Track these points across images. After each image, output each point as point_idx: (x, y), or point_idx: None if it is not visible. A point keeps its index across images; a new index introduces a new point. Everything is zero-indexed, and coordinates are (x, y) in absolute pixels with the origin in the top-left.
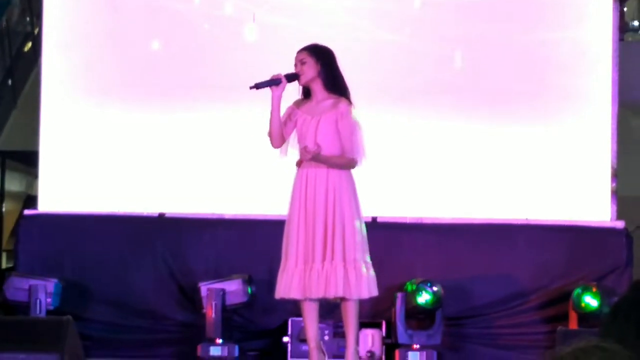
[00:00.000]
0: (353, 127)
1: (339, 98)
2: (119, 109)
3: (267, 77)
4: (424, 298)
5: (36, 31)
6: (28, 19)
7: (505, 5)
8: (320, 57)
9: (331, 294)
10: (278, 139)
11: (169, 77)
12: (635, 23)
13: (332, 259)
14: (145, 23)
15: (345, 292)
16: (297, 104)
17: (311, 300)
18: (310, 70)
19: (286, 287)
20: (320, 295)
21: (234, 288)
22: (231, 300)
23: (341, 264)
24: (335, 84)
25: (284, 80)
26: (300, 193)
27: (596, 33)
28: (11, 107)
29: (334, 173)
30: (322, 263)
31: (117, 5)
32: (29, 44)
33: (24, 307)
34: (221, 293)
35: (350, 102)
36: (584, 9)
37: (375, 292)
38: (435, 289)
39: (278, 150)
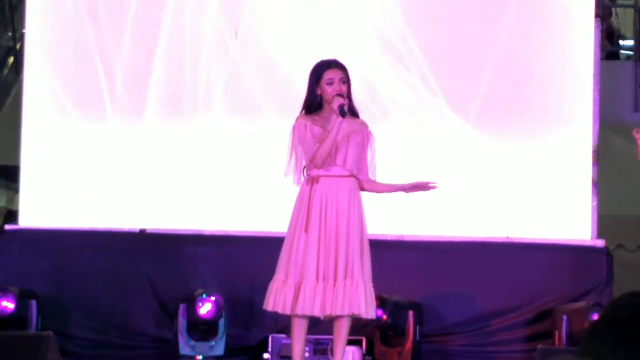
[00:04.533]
0: (374, 152)
1: (361, 120)
2: (100, 124)
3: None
4: (205, 308)
5: (18, 46)
6: (10, 33)
7: (486, 23)
8: (349, 78)
9: (354, 311)
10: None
11: (150, 93)
12: (625, 42)
13: (352, 276)
14: (128, 38)
15: (366, 310)
16: (313, 121)
17: (305, 317)
18: (346, 92)
19: (308, 303)
20: (345, 312)
21: (189, 305)
22: (189, 316)
23: (361, 281)
24: (352, 106)
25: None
26: (321, 207)
27: (577, 52)
28: None
29: (354, 191)
30: (344, 280)
31: (99, 19)
32: (11, 59)
33: (19, 322)
34: (181, 309)
35: None
36: (566, 28)
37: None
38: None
39: (290, 177)
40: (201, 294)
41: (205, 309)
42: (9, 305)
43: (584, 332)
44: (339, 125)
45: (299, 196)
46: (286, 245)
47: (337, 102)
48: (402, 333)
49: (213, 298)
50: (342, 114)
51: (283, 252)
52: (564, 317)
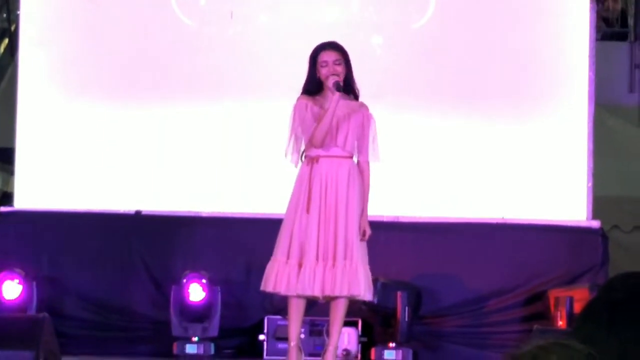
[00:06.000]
0: (376, 134)
1: (360, 102)
2: (96, 106)
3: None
4: (192, 289)
5: (13, 27)
6: (5, 15)
7: (484, 5)
8: (347, 59)
9: (354, 292)
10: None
11: (146, 74)
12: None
13: (352, 257)
14: (123, 19)
15: (365, 292)
16: (314, 101)
17: (304, 297)
18: (343, 73)
19: (308, 283)
20: (345, 293)
21: (178, 287)
22: (180, 298)
23: (361, 263)
24: (353, 88)
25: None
26: (320, 188)
27: (573, 33)
28: None
29: (354, 172)
30: (344, 261)
31: (95, 0)
32: (6, 41)
33: (19, 304)
34: (173, 291)
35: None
36: (561, 9)
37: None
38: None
39: (290, 158)
40: (187, 276)
41: (192, 290)
42: (18, 288)
43: (578, 314)
44: (336, 101)
45: (298, 177)
46: (286, 225)
47: (331, 80)
48: (393, 314)
49: (198, 280)
50: (338, 88)
51: (282, 233)
52: (567, 299)
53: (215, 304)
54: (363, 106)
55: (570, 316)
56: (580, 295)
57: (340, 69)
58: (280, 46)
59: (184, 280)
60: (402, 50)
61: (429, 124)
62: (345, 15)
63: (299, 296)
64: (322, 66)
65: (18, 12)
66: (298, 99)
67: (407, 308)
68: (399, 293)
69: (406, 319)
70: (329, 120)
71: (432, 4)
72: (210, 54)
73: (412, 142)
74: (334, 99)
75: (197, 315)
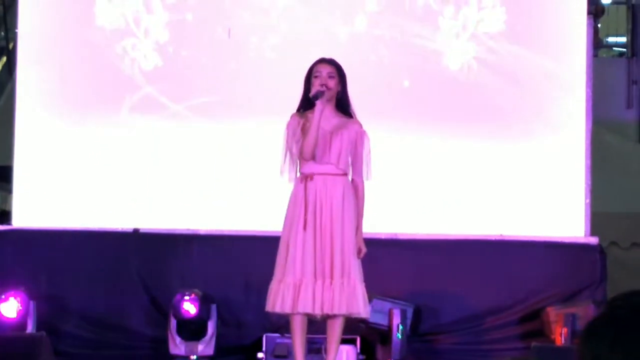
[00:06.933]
0: (369, 152)
1: (353, 119)
2: (93, 124)
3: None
4: (187, 308)
5: (11, 46)
6: (2, 33)
7: (480, 21)
8: (342, 77)
9: (353, 310)
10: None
11: (143, 92)
12: (609, 39)
13: (349, 275)
14: (120, 38)
15: (364, 310)
16: (306, 118)
17: (305, 315)
18: (334, 88)
19: (309, 301)
20: (344, 311)
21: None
22: (176, 317)
23: (358, 281)
24: (346, 107)
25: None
26: (315, 205)
27: (570, 49)
28: None
29: (348, 189)
30: (341, 279)
31: (93, 19)
32: (4, 59)
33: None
34: (171, 309)
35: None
36: (559, 25)
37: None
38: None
39: (285, 174)
40: (182, 294)
41: (187, 308)
42: (17, 306)
43: (581, 331)
44: (319, 110)
45: (292, 194)
46: (282, 244)
47: (313, 90)
48: (389, 331)
49: (189, 297)
50: (315, 97)
51: (280, 252)
52: (571, 316)
53: (210, 320)
54: (356, 123)
55: (574, 333)
56: (583, 313)
57: (332, 82)
58: (277, 64)
59: (176, 298)
60: (401, 70)
61: (428, 142)
62: (349, 33)
63: (300, 314)
64: (315, 77)
65: (16, 31)
66: (291, 116)
67: (400, 325)
68: (392, 310)
69: (399, 336)
70: (315, 130)
71: (431, 26)
72: (207, 72)
73: (410, 159)
74: (316, 109)
75: (190, 331)
